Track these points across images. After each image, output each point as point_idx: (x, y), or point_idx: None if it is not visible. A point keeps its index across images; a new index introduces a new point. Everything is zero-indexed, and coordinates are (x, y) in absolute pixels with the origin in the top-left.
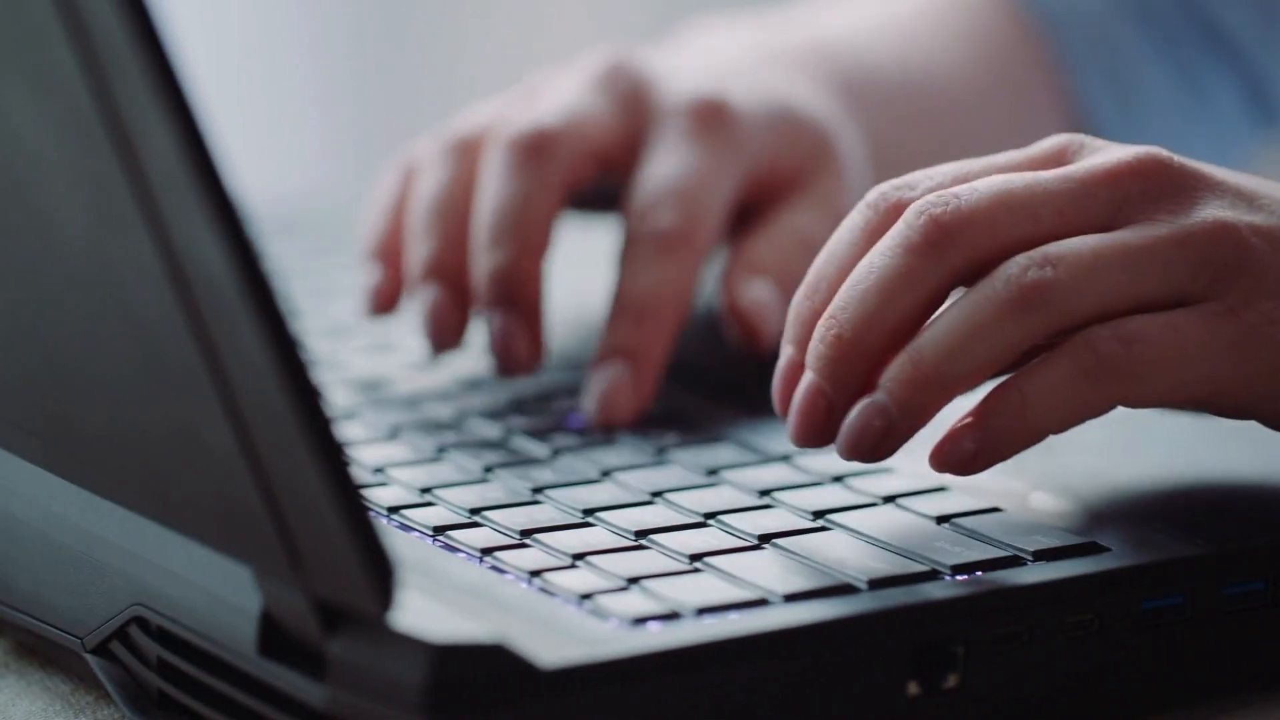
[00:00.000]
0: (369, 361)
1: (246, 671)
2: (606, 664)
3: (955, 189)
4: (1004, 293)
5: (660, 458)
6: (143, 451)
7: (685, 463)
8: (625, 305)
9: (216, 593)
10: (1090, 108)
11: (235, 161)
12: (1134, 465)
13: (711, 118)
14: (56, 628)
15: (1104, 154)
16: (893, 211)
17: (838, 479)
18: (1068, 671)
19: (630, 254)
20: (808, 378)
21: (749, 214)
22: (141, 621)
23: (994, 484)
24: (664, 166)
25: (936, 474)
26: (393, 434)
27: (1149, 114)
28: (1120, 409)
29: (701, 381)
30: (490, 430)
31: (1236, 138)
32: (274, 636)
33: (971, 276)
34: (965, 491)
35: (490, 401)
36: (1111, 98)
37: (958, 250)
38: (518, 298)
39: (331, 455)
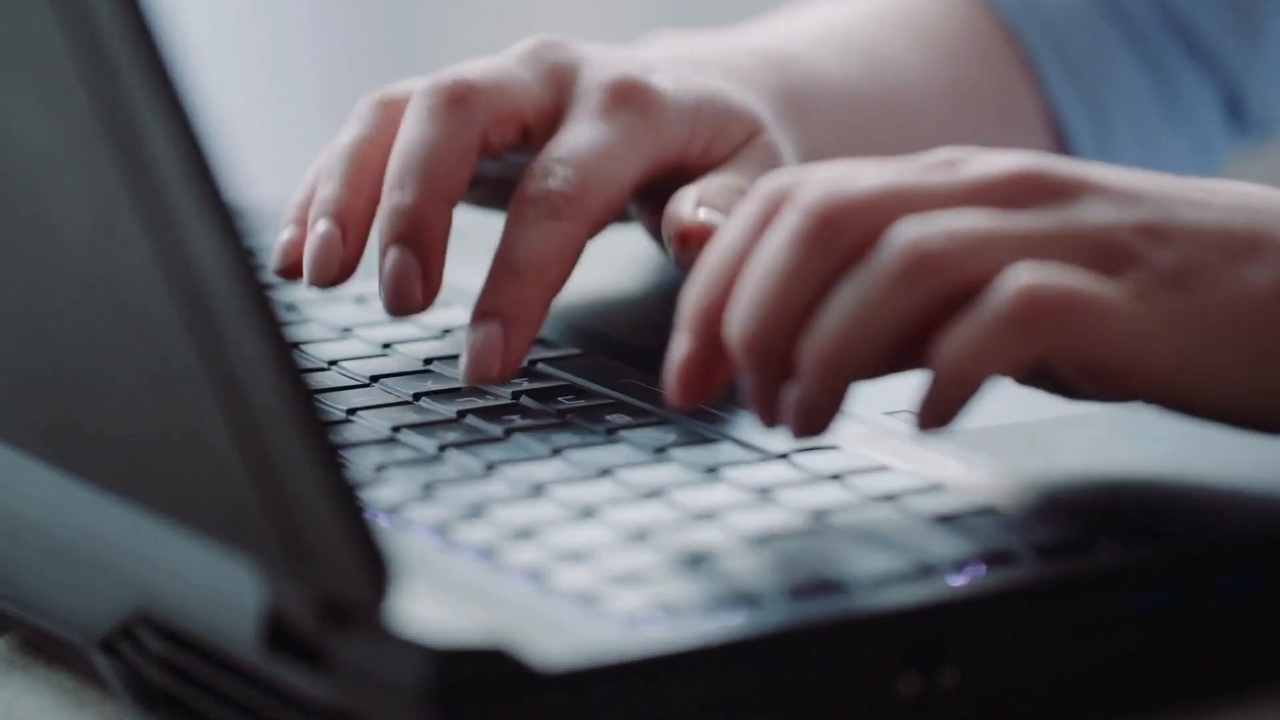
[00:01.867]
0: (371, 362)
1: (250, 668)
2: (606, 665)
3: (841, 181)
4: (894, 264)
5: (658, 456)
6: (147, 451)
7: (684, 461)
8: (504, 264)
9: (220, 590)
10: (1055, 104)
11: (239, 166)
12: (1128, 463)
13: (628, 95)
14: (62, 625)
15: (990, 161)
16: (781, 202)
17: (835, 477)
18: (1065, 669)
19: (516, 214)
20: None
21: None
22: (146, 619)
23: (990, 482)
24: (569, 135)
25: (933, 473)
26: (393, 432)
27: (1118, 111)
28: (1123, 406)
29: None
30: (491, 428)
31: (1215, 146)
32: (277, 634)
33: (857, 261)
34: (961, 490)
35: (491, 400)
36: (1077, 94)
37: (843, 240)
38: (416, 238)
39: (326, 454)
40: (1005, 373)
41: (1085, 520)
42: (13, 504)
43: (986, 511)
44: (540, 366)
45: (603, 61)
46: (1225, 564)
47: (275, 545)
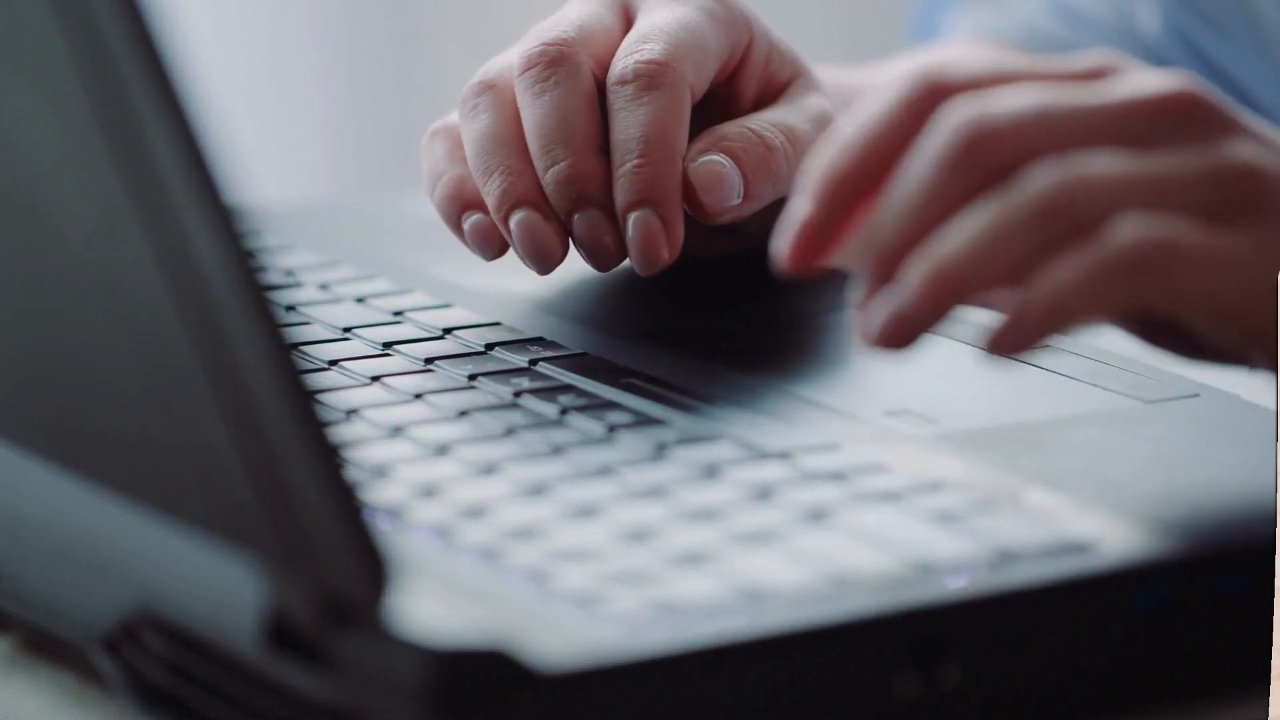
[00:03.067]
0: (372, 362)
1: (250, 667)
2: (606, 666)
3: (992, 99)
4: (1028, 205)
5: (658, 456)
6: (147, 450)
7: (684, 461)
8: (624, 152)
9: (222, 590)
10: None
11: (243, 169)
12: (1126, 464)
13: None
14: (63, 624)
15: (1141, 81)
16: (930, 96)
17: (835, 477)
18: (1063, 669)
19: (614, 98)
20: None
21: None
22: (147, 618)
23: (990, 482)
24: (645, 19)
25: (932, 470)
26: (395, 432)
27: None
28: (1125, 400)
29: (693, 379)
30: (492, 426)
31: None
32: (278, 633)
33: (998, 183)
34: (961, 490)
35: (491, 398)
36: None
37: (987, 166)
38: (589, 196)
39: (326, 454)
40: (1096, 318)
41: (1084, 520)
42: (14, 504)
43: (985, 511)
44: (540, 366)
45: None
46: (1223, 564)
47: (276, 545)
